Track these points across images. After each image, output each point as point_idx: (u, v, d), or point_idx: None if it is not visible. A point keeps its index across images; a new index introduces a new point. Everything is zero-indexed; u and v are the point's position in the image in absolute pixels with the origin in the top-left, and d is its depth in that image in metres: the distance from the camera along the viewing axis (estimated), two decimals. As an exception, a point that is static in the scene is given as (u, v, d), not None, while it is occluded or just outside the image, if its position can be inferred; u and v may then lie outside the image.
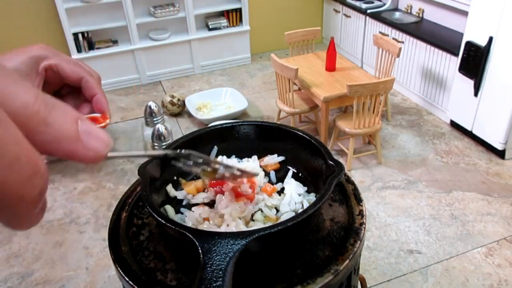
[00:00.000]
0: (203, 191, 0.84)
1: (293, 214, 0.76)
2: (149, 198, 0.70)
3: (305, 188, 0.85)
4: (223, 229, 0.72)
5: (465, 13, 3.27)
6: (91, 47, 4.30)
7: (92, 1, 4.07)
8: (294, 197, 0.80)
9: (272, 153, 0.92)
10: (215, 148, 0.91)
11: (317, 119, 3.44)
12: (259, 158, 0.92)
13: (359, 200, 0.86)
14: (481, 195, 2.79)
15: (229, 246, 0.57)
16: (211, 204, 0.81)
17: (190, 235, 0.60)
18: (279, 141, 0.91)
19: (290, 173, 0.88)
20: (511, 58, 2.78)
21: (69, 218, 2.75)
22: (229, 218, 0.74)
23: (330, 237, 0.78)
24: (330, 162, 0.76)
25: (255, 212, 0.77)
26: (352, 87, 2.68)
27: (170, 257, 0.76)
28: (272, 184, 0.87)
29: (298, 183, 0.85)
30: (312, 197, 0.82)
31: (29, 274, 2.36)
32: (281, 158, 0.91)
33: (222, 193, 0.79)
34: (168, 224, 0.64)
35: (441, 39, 3.55)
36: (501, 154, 3.12)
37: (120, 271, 0.73)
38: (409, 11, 4.21)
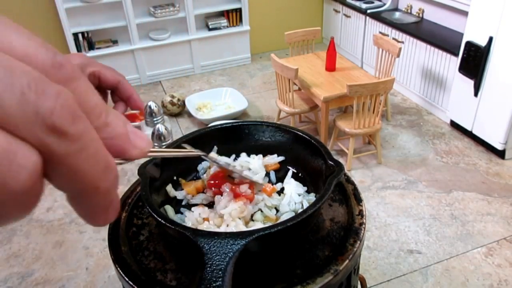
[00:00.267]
0: (203, 191, 0.84)
1: (293, 214, 0.76)
2: (149, 198, 0.70)
3: (305, 188, 0.84)
4: (222, 229, 0.72)
5: (465, 13, 3.27)
6: (91, 47, 4.30)
7: (92, 1, 4.07)
8: (294, 197, 0.80)
9: (272, 153, 0.92)
10: (215, 148, 0.91)
11: (317, 119, 3.44)
12: (259, 158, 0.92)
13: (359, 200, 0.86)
14: (481, 195, 2.79)
15: (228, 246, 0.57)
16: (211, 204, 0.81)
17: (190, 235, 0.60)
18: (279, 141, 0.91)
19: (290, 173, 0.88)
20: (511, 58, 2.78)
21: (69, 218, 2.75)
22: (229, 218, 0.74)
23: (330, 237, 0.78)
24: (330, 162, 0.76)
25: (255, 212, 0.77)
26: (352, 87, 2.68)
27: (170, 257, 0.76)
28: (272, 184, 0.86)
29: (298, 183, 0.85)
30: (312, 197, 0.82)
31: (29, 274, 2.36)
32: (281, 158, 0.91)
33: (221, 193, 0.79)
34: (168, 224, 0.64)
35: (441, 39, 3.55)
36: (501, 154, 3.11)
37: (120, 271, 0.73)
38: (409, 11, 4.21)
